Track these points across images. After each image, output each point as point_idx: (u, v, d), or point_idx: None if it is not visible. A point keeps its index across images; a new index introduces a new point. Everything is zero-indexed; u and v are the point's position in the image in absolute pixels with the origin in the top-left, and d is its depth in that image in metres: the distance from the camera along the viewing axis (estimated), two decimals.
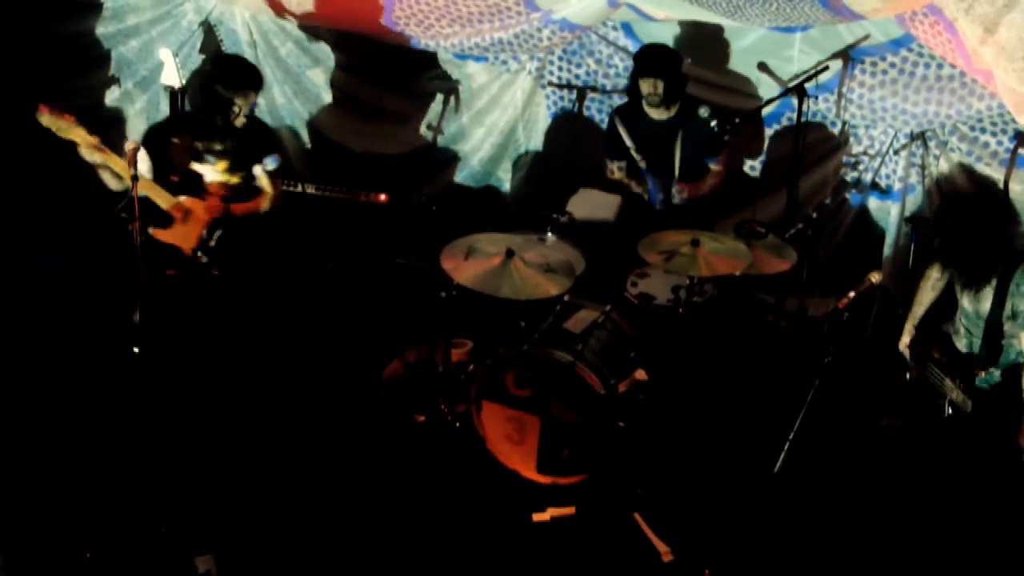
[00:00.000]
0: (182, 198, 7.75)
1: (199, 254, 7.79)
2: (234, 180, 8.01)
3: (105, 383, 7.54)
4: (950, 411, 6.62)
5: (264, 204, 8.20)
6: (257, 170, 8.12)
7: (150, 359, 7.40)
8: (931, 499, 6.70)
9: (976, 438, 6.63)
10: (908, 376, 7.03)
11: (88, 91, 10.47)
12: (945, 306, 7.09)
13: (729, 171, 8.78)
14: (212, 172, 7.93)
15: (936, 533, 6.46)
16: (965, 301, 6.64)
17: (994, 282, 6.30)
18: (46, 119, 7.33)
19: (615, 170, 8.88)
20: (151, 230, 7.65)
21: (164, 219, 7.71)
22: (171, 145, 7.78)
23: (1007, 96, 6.90)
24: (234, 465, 6.93)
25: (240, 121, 7.81)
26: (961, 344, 6.83)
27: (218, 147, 7.88)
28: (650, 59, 8.33)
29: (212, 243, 7.80)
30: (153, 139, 7.85)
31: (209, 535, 6.22)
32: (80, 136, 7.36)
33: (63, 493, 6.51)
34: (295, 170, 10.39)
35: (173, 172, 7.79)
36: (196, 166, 7.91)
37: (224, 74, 7.86)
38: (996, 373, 6.47)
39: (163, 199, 7.65)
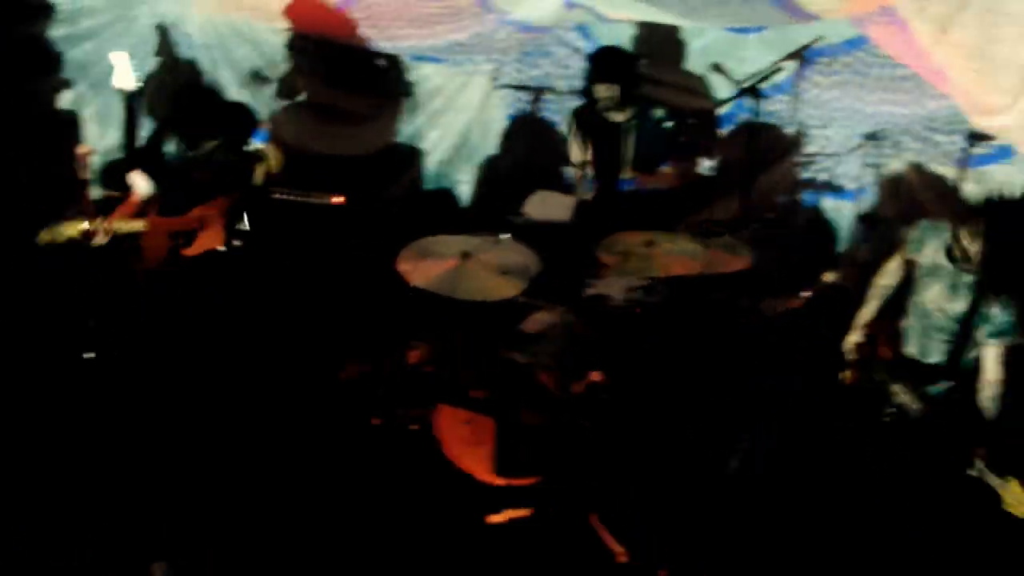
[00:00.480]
0: (196, 211, 7.80)
1: (234, 243, 7.88)
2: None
3: (59, 388, 7.50)
4: (894, 412, 6.62)
5: (270, 167, 8.27)
6: (254, 145, 8.22)
7: (105, 363, 7.38)
8: (885, 501, 6.73)
9: (922, 442, 6.67)
10: (844, 379, 7.03)
11: (41, 95, 10.40)
12: (895, 306, 7.12)
13: (684, 171, 8.78)
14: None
15: (890, 536, 6.49)
16: (929, 298, 6.61)
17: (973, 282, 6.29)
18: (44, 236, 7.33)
19: (575, 171, 8.87)
20: (184, 252, 7.70)
21: (186, 237, 7.77)
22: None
23: (960, 96, 6.96)
24: (189, 470, 6.89)
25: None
26: (913, 345, 6.82)
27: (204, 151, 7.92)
28: (605, 63, 8.30)
29: (244, 226, 7.84)
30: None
31: (164, 541, 6.19)
32: (76, 229, 7.36)
33: (16, 499, 6.47)
34: None
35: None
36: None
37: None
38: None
39: (176, 223, 7.68)
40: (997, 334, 6.24)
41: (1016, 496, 5.82)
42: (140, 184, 7.80)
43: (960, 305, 6.35)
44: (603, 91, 8.24)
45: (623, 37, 9.25)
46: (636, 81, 8.38)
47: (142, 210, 7.36)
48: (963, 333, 6.34)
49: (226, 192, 7.96)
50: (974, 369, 6.42)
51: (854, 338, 7.00)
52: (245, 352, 8.08)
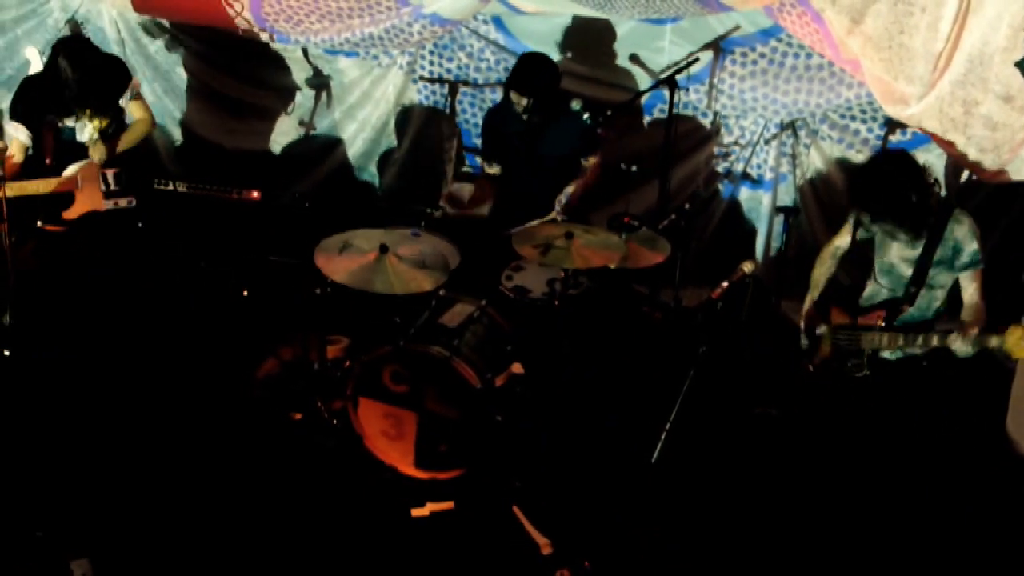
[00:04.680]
0: (67, 171, 7.86)
1: (111, 201, 8.04)
2: (105, 123, 8.07)
3: None
4: (865, 371, 6.75)
5: (142, 129, 8.41)
6: (123, 101, 8.25)
7: (21, 360, 7.31)
8: (803, 486, 6.79)
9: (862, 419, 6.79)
10: (811, 366, 7.12)
11: None
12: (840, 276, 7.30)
13: (604, 164, 8.76)
14: (83, 127, 8.08)
15: (808, 522, 6.55)
16: (893, 254, 6.74)
17: (925, 232, 6.44)
18: None
19: (487, 167, 8.80)
20: (64, 215, 7.73)
21: (63, 201, 7.82)
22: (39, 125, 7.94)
23: (874, 85, 7.00)
24: (110, 466, 6.82)
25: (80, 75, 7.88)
26: (877, 299, 6.94)
27: (78, 101, 7.97)
28: (521, 74, 8.22)
29: (114, 186, 7.97)
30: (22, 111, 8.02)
31: (85, 538, 6.12)
32: None
33: None
34: (167, 169, 10.30)
35: (44, 157, 7.80)
36: (67, 122, 8.05)
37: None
38: (909, 341, 6.60)
39: (44, 185, 7.65)
40: (970, 264, 6.52)
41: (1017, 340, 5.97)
42: (17, 134, 7.83)
43: (918, 251, 6.57)
44: (516, 97, 8.18)
45: (539, 29, 9.25)
46: (552, 93, 8.27)
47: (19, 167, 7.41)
48: (920, 269, 6.58)
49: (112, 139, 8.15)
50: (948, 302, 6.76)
51: (806, 307, 7.13)
52: (163, 350, 8.04)
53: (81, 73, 7.82)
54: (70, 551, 5.95)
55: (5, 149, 7.00)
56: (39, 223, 7.93)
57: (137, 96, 8.34)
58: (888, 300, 6.82)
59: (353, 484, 6.87)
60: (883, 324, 6.68)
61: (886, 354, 6.75)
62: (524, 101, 8.07)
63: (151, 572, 6.08)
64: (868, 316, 6.83)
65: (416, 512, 6.63)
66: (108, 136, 8.14)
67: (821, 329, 7.04)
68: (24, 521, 6.21)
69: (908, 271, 6.64)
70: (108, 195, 8.08)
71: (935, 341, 6.33)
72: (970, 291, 6.56)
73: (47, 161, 7.95)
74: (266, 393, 7.78)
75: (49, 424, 7.12)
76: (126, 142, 8.25)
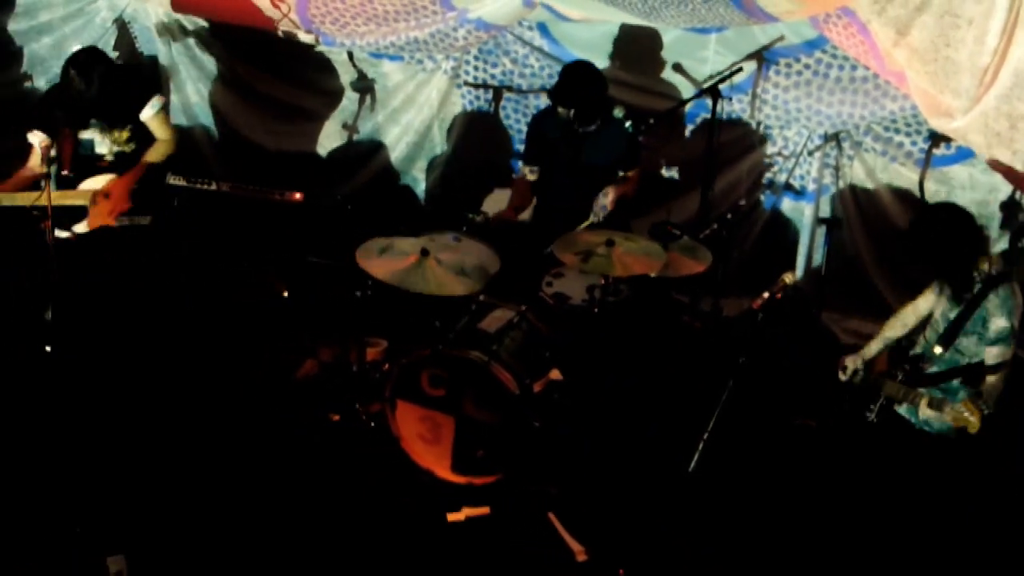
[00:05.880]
0: (83, 185, 7.95)
1: (126, 218, 8.03)
2: (124, 136, 8.08)
3: (18, 382, 7.45)
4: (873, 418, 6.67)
5: (163, 150, 8.31)
6: (145, 115, 8.19)
7: (64, 358, 7.34)
8: (841, 498, 6.75)
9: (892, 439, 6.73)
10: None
11: (1, 89, 10.35)
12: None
13: (645, 172, 8.74)
14: (101, 140, 8.05)
15: (847, 532, 6.51)
16: (938, 309, 6.67)
17: (967, 296, 6.36)
18: None
19: (527, 173, 8.77)
20: (76, 229, 7.78)
21: (78, 214, 7.83)
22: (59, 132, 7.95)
23: (919, 97, 6.96)
24: (148, 465, 6.84)
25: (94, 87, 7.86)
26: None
27: (94, 113, 8.01)
28: (564, 89, 8.12)
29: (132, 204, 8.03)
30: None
31: (121, 535, 6.14)
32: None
33: None
34: (209, 168, 10.32)
35: (62, 167, 7.83)
36: (85, 135, 8.03)
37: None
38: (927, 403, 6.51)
39: (80, 197, 7.68)
40: (995, 341, 6.32)
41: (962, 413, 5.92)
42: (36, 141, 7.89)
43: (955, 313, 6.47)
44: (560, 107, 8.14)
45: (584, 36, 9.24)
46: (597, 103, 8.22)
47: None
48: (950, 331, 6.44)
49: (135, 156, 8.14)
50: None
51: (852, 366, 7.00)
52: (206, 350, 8.06)
53: (89, 86, 7.84)
54: (106, 548, 5.97)
55: (51, 145, 7.03)
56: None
57: (161, 111, 8.29)
58: (917, 354, 6.74)
59: (389, 487, 6.88)
60: (902, 377, 6.61)
61: (901, 409, 6.66)
62: (566, 112, 8.05)
63: (186, 570, 6.10)
64: (881, 361, 6.77)
65: (452, 517, 6.63)
66: (129, 152, 8.17)
67: (844, 377, 6.95)
68: (62, 518, 6.24)
69: (942, 328, 6.56)
70: (125, 212, 8.07)
71: (947, 414, 6.21)
72: (989, 378, 6.37)
73: (64, 172, 7.98)
74: (305, 394, 7.80)
75: (89, 421, 7.15)
76: (149, 159, 8.20)
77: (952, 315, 6.44)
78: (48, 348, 7.36)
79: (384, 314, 7.61)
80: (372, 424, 7.23)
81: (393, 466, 7.02)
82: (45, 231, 7.13)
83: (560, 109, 8.10)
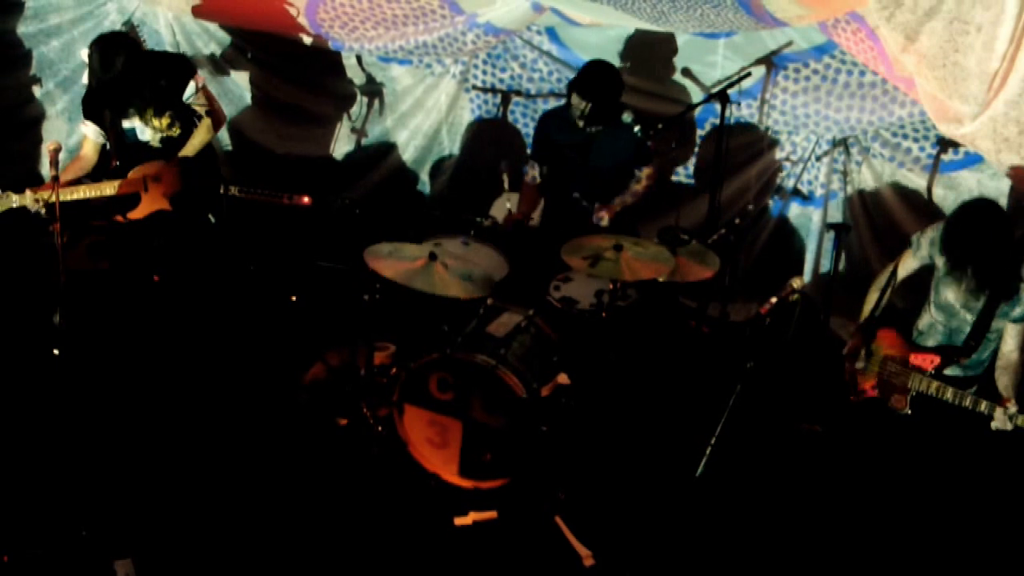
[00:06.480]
0: (132, 173, 7.89)
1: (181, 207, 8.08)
2: (166, 122, 8.10)
3: (25, 385, 7.47)
4: (907, 410, 6.66)
5: (204, 133, 8.34)
6: (187, 97, 8.21)
7: (71, 361, 7.35)
8: (849, 501, 6.75)
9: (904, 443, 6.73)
10: (852, 397, 7.05)
11: (9, 92, 10.36)
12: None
13: (656, 176, 8.74)
14: (143, 128, 8.04)
15: (854, 536, 6.51)
16: (952, 295, 6.66)
17: (989, 287, 6.40)
18: None
19: (536, 176, 8.77)
20: (130, 216, 7.82)
21: (124, 203, 7.79)
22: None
23: (928, 103, 6.97)
24: (155, 468, 6.85)
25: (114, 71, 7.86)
26: (934, 340, 6.86)
27: (135, 100, 7.99)
28: (587, 80, 8.16)
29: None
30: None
31: (129, 539, 6.15)
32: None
33: None
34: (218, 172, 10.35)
35: (111, 159, 7.86)
36: (126, 124, 8.02)
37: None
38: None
39: (108, 187, 7.67)
40: (1020, 319, 6.47)
41: None
42: (88, 132, 7.97)
43: (980, 303, 6.51)
44: (576, 100, 8.15)
45: (592, 40, 9.24)
46: (611, 106, 8.23)
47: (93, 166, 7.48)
48: (981, 323, 6.51)
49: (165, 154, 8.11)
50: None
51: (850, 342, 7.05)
52: (211, 353, 8.07)
53: (109, 70, 7.78)
54: (113, 551, 5.99)
55: (59, 149, 7.02)
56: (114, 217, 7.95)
57: (202, 90, 8.29)
58: (945, 346, 6.74)
59: (397, 491, 6.88)
60: (934, 371, 6.61)
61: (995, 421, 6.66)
62: (583, 105, 8.04)
63: (194, 573, 6.11)
64: (921, 357, 6.75)
65: (459, 520, 6.63)
66: (176, 137, 8.16)
67: (860, 364, 6.97)
68: (69, 521, 6.25)
69: (968, 318, 6.56)
70: (188, 197, 8.07)
71: (983, 408, 6.26)
72: (1009, 345, 6.54)
73: (113, 163, 7.98)
74: (312, 398, 7.81)
75: (96, 424, 7.16)
76: (193, 146, 8.22)
77: (978, 305, 6.47)
78: (56, 352, 7.36)
79: (392, 318, 7.61)
80: (380, 428, 7.23)
81: (400, 470, 7.03)
82: (53, 233, 7.13)
83: (575, 101, 8.09)
